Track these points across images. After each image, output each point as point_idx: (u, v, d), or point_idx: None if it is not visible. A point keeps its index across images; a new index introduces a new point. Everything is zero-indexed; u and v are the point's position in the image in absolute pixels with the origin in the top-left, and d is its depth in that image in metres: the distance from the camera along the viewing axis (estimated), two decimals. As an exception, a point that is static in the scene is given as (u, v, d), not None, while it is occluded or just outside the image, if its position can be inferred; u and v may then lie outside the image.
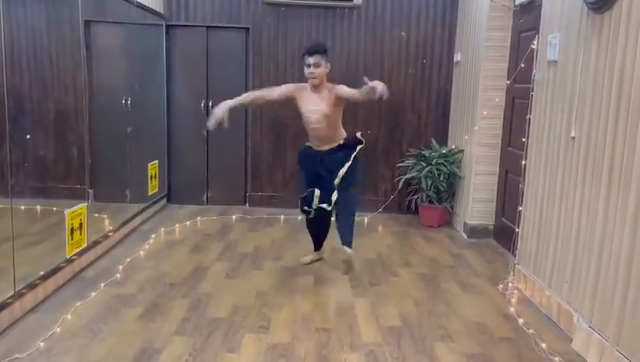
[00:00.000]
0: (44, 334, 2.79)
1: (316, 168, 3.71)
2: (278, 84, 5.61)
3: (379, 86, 3.05)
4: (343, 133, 3.78)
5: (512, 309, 3.36)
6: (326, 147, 3.68)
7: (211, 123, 3.43)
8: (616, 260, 2.61)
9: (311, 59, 3.51)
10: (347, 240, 3.66)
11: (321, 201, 3.69)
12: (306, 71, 3.55)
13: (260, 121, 5.81)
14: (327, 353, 2.74)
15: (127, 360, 2.60)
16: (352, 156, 3.67)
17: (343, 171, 3.63)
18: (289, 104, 3.68)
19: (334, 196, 3.64)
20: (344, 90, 3.51)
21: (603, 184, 2.76)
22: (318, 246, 4.12)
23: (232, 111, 3.48)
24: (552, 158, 3.37)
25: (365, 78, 3.15)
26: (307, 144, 3.82)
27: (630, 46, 2.56)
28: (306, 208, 3.81)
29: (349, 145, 3.73)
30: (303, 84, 3.68)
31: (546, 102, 3.50)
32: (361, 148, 3.74)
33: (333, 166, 3.65)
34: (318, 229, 4.01)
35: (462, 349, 2.84)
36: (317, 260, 4.14)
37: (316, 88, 3.59)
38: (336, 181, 3.62)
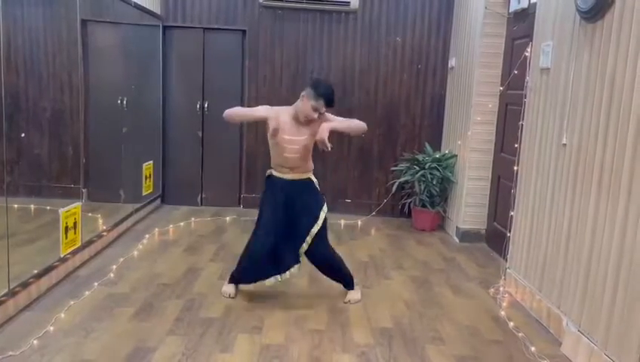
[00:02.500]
0: (37, 332, 2.80)
1: (285, 203, 3.26)
2: (274, 86, 5.74)
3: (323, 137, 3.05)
4: (312, 165, 3.41)
5: (502, 313, 3.40)
6: (296, 176, 3.30)
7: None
8: (605, 265, 2.65)
9: (323, 109, 3.18)
10: (345, 282, 3.51)
11: (283, 268, 3.27)
12: (309, 111, 3.15)
13: (254, 123, 5.82)
14: (319, 354, 2.77)
15: (121, 359, 2.61)
16: (323, 217, 3.30)
17: (315, 230, 3.26)
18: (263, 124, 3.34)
19: (302, 248, 3.29)
20: (329, 117, 3.25)
21: (593, 190, 2.81)
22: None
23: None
24: (543, 165, 3.42)
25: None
26: (270, 173, 3.37)
27: (621, 55, 2.61)
28: (278, 279, 3.29)
29: (314, 192, 3.36)
30: (283, 108, 3.28)
31: (538, 109, 3.55)
32: (325, 213, 3.33)
33: (304, 205, 3.28)
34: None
35: (453, 352, 2.87)
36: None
37: (299, 122, 3.23)
38: (313, 230, 3.25)
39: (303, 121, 3.21)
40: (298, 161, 3.27)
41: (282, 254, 3.27)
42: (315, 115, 3.17)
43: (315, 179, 3.41)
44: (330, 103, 3.18)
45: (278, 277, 3.29)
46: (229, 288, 3.46)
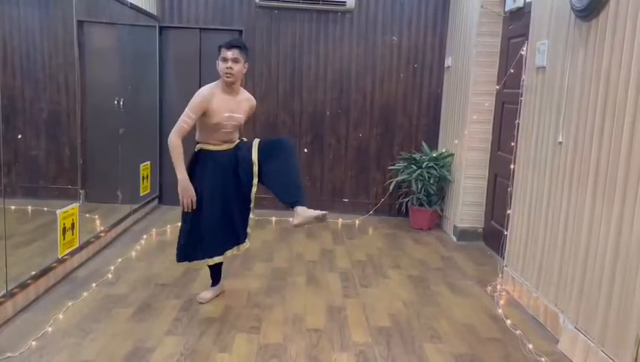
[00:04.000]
0: (36, 333, 2.80)
1: (224, 175, 3.17)
2: (270, 85, 5.75)
3: None
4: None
5: (500, 311, 3.42)
6: (229, 146, 3.23)
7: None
8: (601, 263, 2.67)
9: (229, 53, 3.05)
10: (297, 195, 3.06)
11: (230, 244, 3.24)
12: (222, 66, 3.06)
13: (252, 121, 5.83)
14: (317, 353, 2.78)
15: (119, 359, 2.62)
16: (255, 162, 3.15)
17: (255, 147, 3.16)
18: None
19: (250, 218, 3.25)
20: (250, 110, 3.31)
21: (589, 188, 2.82)
22: (217, 277, 3.48)
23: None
24: (539, 163, 3.44)
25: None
26: (200, 148, 3.25)
27: (616, 53, 2.62)
28: (216, 259, 3.24)
29: (245, 145, 3.27)
30: (207, 89, 3.14)
31: (534, 107, 3.56)
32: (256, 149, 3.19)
33: (240, 158, 3.18)
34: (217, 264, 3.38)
35: (450, 350, 2.89)
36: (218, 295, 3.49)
37: (230, 88, 3.15)
38: (254, 150, 3.14)
39: (227, 79, 3.08)
40: (233, 134, 3.24)
41: (225, 234, 3.22)
42: (228, 63, 3.05)
43: (243, 140, 3.33)
44: (228, 44, 3.08)
45: (219, 258, 3.26)
46: (209, 294, 3.40)
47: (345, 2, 5.51)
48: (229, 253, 3.30)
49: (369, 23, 5.71)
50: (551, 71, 3.33)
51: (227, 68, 3.06)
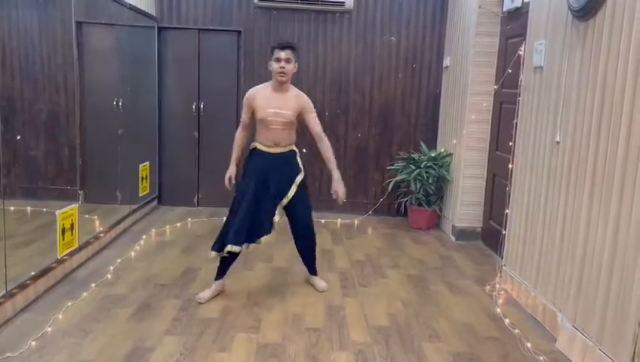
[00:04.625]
0: (35, 333, 2.81)
1: (262, 179, 3.35)
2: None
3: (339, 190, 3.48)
4: (294, 138, 3.52)
5: (498, 310, 3.43)
6: (278, 150, 3.41)
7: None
8: (599, 261, 2.68)
9: (282, 54, 3.28)
10: (313, 269, 3.73)
11: (257, 235, 3.37)
12: (275, 66, 3.30)
13: (251, 122, 5.83)
14: (316, 352, 2.79)
15: (119, 359, 2.63)
16: (301, 177, 3.46)
17: (294, 187, 3.41)
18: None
19: (276, 217, 3.39)
20: (311, 117, 3.44)
21: (586, 187, 2.83)
22: (224, 271, 3.49)
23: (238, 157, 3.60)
24: (537, 162, 3.45)
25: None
26: (254, 146, 3.47)
27: (612, 53, 2.63)
28: (229, 249, 3.28)
29: (296, 163, 3.48)
30: (259, 87, 3.45)
31: (532, 107, 3.57)
32: (303, 179, 3.49)
33: (279, 177, 3.39)
34: (233, 256, 3.43)
35: (449, 349, 2.90)
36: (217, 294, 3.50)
37: (280, 87, 3.36)
38: (290, 193, 3.39)
39: (280, 79, 3.32)
40: (282, 133, 3.39)
41: (256, 226, 3.36)
42: (282, 63, 3.28)
43: (297, 150, 3.53)
44: (282, 45, 3.33)
45: (250, 245, 3.39)
46: (208, 293, 3.42)
47: (343, 2, 5.52)
48: (244, 247, 3.37)
49: (367, 23, 5.72)
50: (548, 71, 3.34)
51: (280, 67, 3.29)
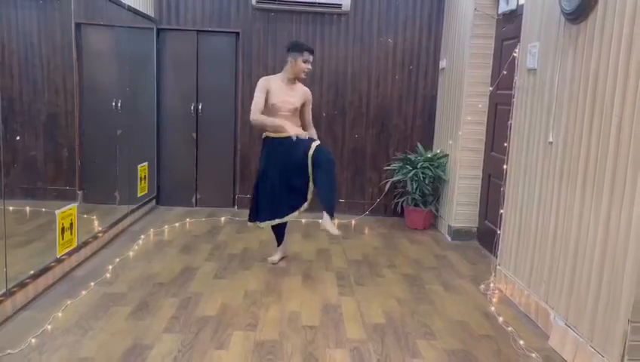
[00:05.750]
0: (35, 331, 2.85)
1: (283, 159, 3.82)
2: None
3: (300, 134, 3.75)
4: (299, 124, 4.03)
5: (492, 308, 3.48)
6: (285, 134, 3.76)
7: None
8: (590, 260, 2.73)
9: (310, 58, 3.89)
10: (331, 206, 3.82)
11: (289, 211, 3.94)
12: (303, 66, 3.86)
13: (249, 123, 5.87)
14: (313, 349, 2.83)
15: (118, 356, 2.66)
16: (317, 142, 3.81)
17: (314, 144, 3.76)
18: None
19: (310, 191, 3.87)
20: (308, 108, 4.06)
21: (578, 187, 2.88)
22: (281, 239, 4.25)
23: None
24: (531, 163, 3.50)
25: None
26: (266, 135, 3.95)
27: (603, 55, 2.68)
28: (259, 222, 4.02)
29: (304, 140, 3.80)
30: (272, 77, 3.95)
31: (526, 108, 3.62)
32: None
33: (298, 151, 3.75)
34: (280, 226, 4.17)
35: (443, 346, 2.94)
36: (284, 257, 4.29)
37: (292, 82, 3.92)
38: (310, 152, 3.72)
39: (304, 77, 3.93)
40: (290, 119, 3.88)
41: (282, 204, 3.92)
42: (309, 67, 3.89)
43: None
44: (311, 50, 3.92)
45: (291, 218, 4.00)
46: (276, 256, 4.22)
47: (340, 5, 5.57)
48: (287, 217, 3.98)
49: (365, 25, 5.77)
50: (541, 72, 3.40)
51: (308, 69, 3.90)
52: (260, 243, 4.76)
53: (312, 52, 3.90)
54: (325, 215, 3.76)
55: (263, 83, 3.87)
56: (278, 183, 3.87)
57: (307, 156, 3.73)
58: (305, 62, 3.86)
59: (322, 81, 5.81)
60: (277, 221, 3.99)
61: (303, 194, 3.88)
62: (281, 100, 3.84)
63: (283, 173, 3.85)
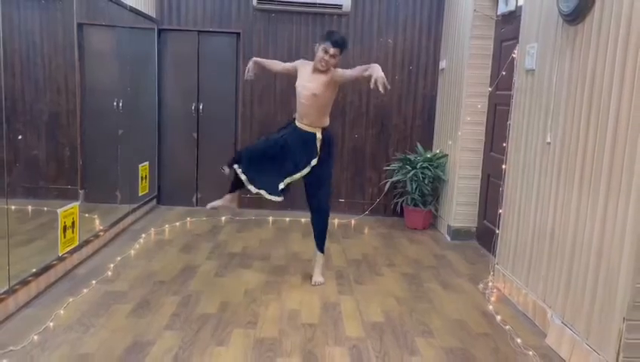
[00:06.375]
0: (37, 328, 2.88)
1: (287, 140, 3.68)
2: (268, 86, 5.83)
3: (378, 79, 3.16)
4: (326, 123, 3.74)
5: (490, 307, 3.50)
6: (305, 127, 3.69)
7: (247, 74, 3.89)
8: (586, 260, 2.75)
9: (332, 50, 3.53)
10: (320, 247, 3.89)
11: (262, 185, 3.66)
12: (320, 55, 3.55)
13: (249, 123, 5.92)
14: (312, 347, 2.85)
15: (119, 352, 2.69)
16: (313, 164, 3.65)
17: (312, 163, 3.63)
18: (292, 77, 3.85)
19: (281, 185, 3.65)
20: (339, 72, 3.57)
21: (575, 188, 2.91)
22: (233, 190, 3.95)
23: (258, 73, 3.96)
24: (529, 163, 3.52)
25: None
26: (293, 117, 3.82)
27: (600, 56, 2.71)
28: (237, 167, 3.70)
29: (315, 148, 3.68)
30: (307, 62, 3.80)
31: (524, 109, 3.65)
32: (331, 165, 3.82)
33: (296, 151, 3.65)
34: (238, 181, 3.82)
35: (442, 344, 2.97)
36: (227, 207, 4.06)
37: (317, 71, 3.63)
38: (305, 170, 3.63)
39: (320, 67, 3.59)
40: (311, 109, 3.64)
41: (267, 176, 3.67)
42: (326, 57, 3.54)
43: (319, 136, 3.68)
44: (335, 44, 3.54)
45: (254, 189, 3.69)
46: (217, 201, 4.00)
47: (341, 5, 5.60)
48: (256, 190, 3.68)
49: (365, 25, 5.80)
50: (540, 73, 3.42)
51: (324, 60, 3.55)
52: (260, 242, 4.79)
53: (336, 44, 3.53)
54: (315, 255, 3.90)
55: (300, 60, 3.87)
56: (275, 152, 3.67)
57: (302, 168, 3.64)
58: (324, 52, 3.53)
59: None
60: (250, 187, 3.68)
61: (282, 178, 3.66)
62: (301, 85, 3.69)
63: (284, 150, 3.67)
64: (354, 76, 3.52)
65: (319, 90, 3.59)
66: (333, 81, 3.59)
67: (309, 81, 3.64)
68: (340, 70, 3.59)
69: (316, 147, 3.66)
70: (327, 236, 3.91)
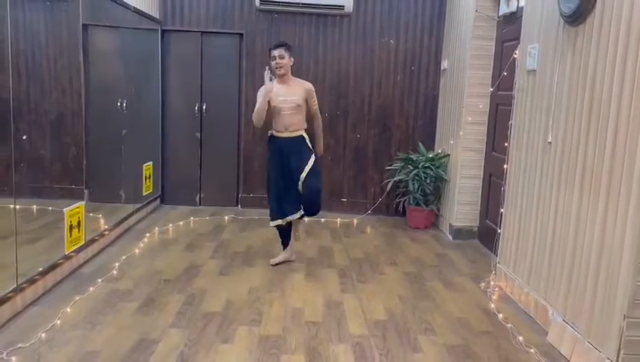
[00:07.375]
0: (45, 326, 2.92)
1: (282, 163, 3.96)
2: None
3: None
4: (305, 124, 4.05)
5: (492, 305, 3.54)
6: (293, 135, 3.95)
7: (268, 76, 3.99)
8: (587, 258, 2.78)
9: (275, 52, 3.91)
10: (310, 214, 4.12)
11: (291, 212, 4.05)
12: (272, 63, 3.92)
13: (252, 123, 5.93)
14: (315, 344, 2.89)
15: (125, 349, 2.73)
16: (312, 160, 3.95)
17: (307, 167, 3.91)
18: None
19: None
20: (312, 101, 4.03)
21: (576, 186, 2.94)
22: (286, 243, 4.27)
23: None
24: (530, 162, 3.56)
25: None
26: (271, 133, 4.05)
27: (601, 57, 2.74)
28: (280, 221, 4.06)
29: (307, 147, 4.00)
30: (267, 85, 3.92)
31: (525, 109, 3.68)
32: (315, 160, 4.01)
33: (296, 162, 3.93)
34: (285, 229, 4.22)
35: (444, 342, 3.00)
36: (287, 262, 4.25)
37: (282, 80, 3.96)
38: (302, 175, 3.90)
39: (280, 73, 3.93)
40: (294, 117, 3.94)
41: (286, 204, 4.03)
42: (277, 62, 3.89)
43: (306, 136, 4.03)
44: (276, 46, 3.95)
45: (281, 221, 4.06)
46: (277, 258, 4.23)
47: (343, 6, 5.64)
48: (288, 218, 4.07)
49: (367, 26, 5.83)
50: (541, 73, 3.45)
51: (276, 63, 3.91)
52: (263, 241, 4.82)
53: (276, 46, 3.94)
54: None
55: (264, 87, 3.94)
56: (282, 184, 4.00)
57: (299, 180, 3.92)
58: (272, 59, 3.91)
59: (324, 82, 5.87)
60: (279, 221, 4.05)
61: (298, 203, 4.05)
62: (281, 100, 3.92)
63: (285, 174, 3.97)
64: (311, 113, 4.06)
65: (301, 100, 3.95)
66: (307, 97, 4.00)
67: (287, 95, 3.92)
68: (315, 99, 4.05)
69: (308, 146, 4.01)
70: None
